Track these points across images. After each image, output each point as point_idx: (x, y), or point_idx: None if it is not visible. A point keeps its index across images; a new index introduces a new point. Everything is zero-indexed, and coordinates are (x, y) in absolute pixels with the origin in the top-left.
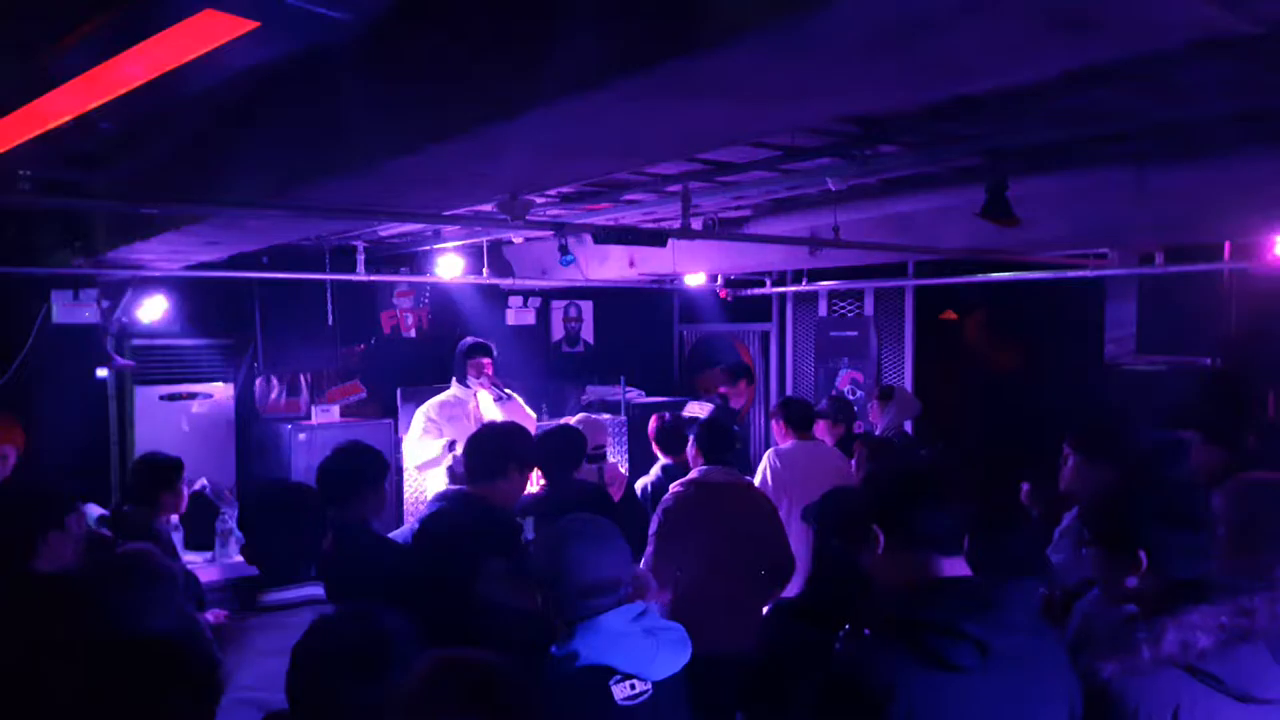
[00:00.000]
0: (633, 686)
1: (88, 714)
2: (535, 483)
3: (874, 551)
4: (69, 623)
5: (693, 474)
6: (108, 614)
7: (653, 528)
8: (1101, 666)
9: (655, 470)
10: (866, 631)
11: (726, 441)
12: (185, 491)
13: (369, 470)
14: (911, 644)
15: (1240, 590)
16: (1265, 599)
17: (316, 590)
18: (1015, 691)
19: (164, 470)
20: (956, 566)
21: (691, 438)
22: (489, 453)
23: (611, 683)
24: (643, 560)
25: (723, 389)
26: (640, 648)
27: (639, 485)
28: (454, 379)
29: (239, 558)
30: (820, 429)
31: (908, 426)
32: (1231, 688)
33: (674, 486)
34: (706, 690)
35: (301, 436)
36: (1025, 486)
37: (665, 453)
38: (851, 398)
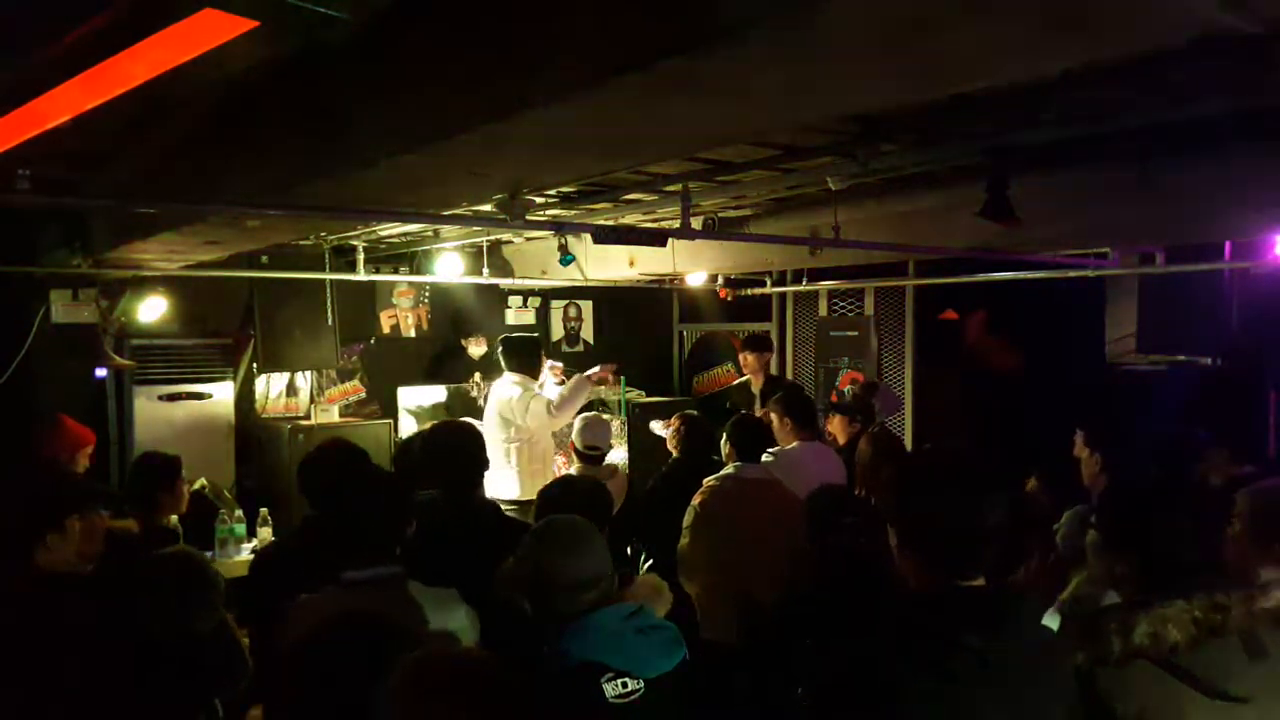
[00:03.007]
0: (624, 685)
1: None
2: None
3: (893, 548)
4: (107, 622)
5: (728, 469)
6: (155, 615)
7: (687, 520)
8: (1076, 654)
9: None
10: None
11: (759, 439)
12: (185, 491)
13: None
14: (913, 651)
15: (1217, 587)
16: (1241, 596)
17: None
18: (1012, 704)
19: (163, 470)
20: (971, 577)
21: (725, 435)
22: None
23: (603, 680)
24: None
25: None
26: (632, 646)
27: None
28: (517, 374)
29: (239, 558)
30: (836, 425)
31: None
32: (1203, 683)
33: (709, 481)
34: (719, 674)
35: (300, 436)
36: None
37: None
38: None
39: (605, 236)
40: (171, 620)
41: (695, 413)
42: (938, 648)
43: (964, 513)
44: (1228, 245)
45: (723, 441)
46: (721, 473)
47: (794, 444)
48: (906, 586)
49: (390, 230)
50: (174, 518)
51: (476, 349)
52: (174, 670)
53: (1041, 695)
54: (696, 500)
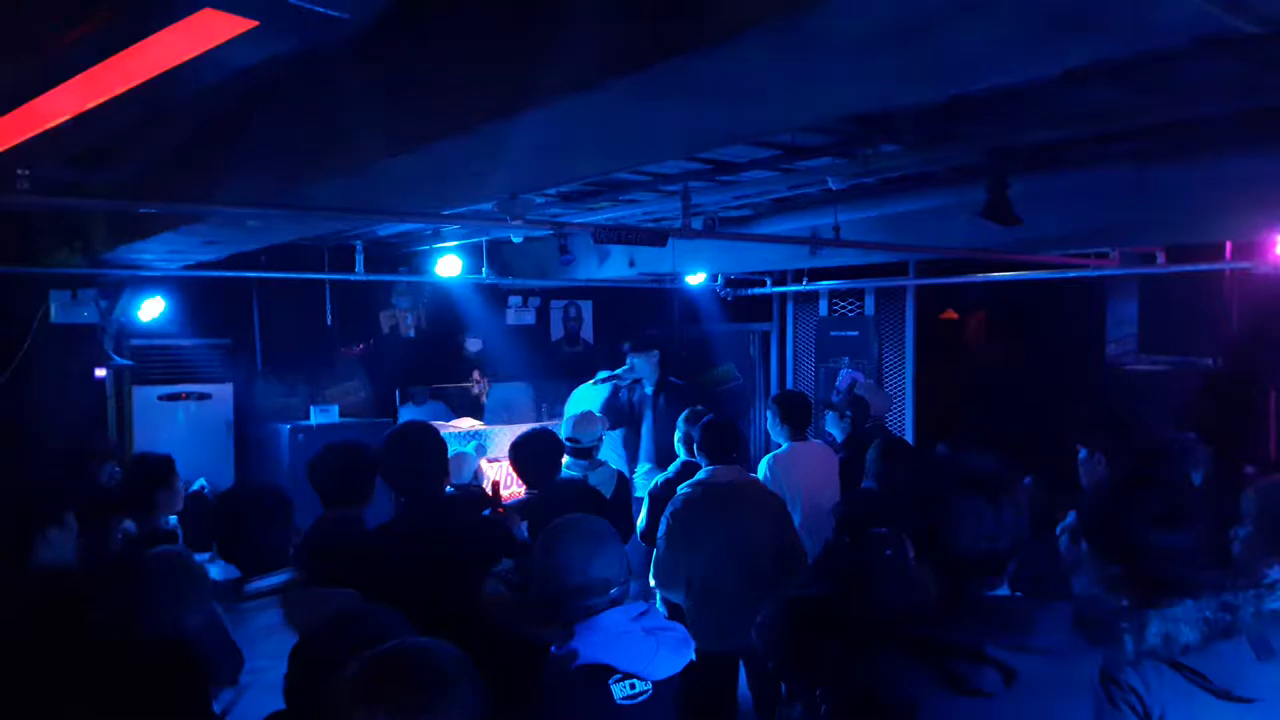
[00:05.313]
0: (632, 686)
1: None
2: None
3: (910, 560)
4: (91, 621)
5: (700, 475)
6: (139, 613)
7: (661, 530)
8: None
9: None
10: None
11: (730, 441)
12: (181, 489)
13: (360, 468)
14: (936, 665)
15: (1224, 587)
16: (1249, 597)
17: (289, 575)
18: (1038, 716)
19: (158, 469)
20: (993, 586)
21: (694, 439)
22: None
23: (611, 682)
24: (651, 562)
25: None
26: (640, 647)
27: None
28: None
29: None
30: (829, 421)
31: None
32: (1213, 684)
33: (681, 488)
34: (717, 686)
35: (300, 437)
36: (1027, 481)
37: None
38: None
39: (605, 236)
40: (160, 616)
41: (702, 409)
42: (962, 662)
43: (984, 522)
44: (1228, 245)
45: (692, 445)
46: (694, 479)
47: (791, 444)
48: (925, 597)
49: (390, 230)
50: (173, 518)
51: (473, 343)
52: (165, 665)
53: (1068, 710)
54: (669, 511)
